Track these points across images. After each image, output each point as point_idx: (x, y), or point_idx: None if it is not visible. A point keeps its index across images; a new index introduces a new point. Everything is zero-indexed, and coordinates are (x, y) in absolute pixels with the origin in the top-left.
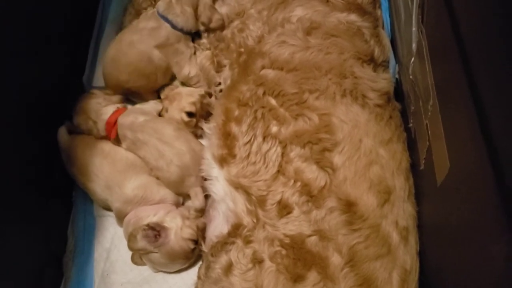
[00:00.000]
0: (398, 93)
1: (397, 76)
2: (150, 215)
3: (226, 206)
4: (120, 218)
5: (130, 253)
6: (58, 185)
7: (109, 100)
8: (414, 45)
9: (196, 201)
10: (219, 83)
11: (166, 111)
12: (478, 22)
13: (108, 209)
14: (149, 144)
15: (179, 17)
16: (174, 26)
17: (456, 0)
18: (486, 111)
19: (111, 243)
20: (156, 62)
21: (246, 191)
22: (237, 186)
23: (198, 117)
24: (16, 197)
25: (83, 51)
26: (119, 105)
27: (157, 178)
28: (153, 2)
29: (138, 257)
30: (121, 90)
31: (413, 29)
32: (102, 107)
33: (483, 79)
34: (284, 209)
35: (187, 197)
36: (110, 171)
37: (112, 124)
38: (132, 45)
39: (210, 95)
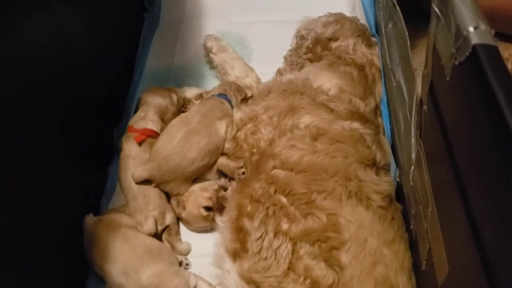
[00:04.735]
0: (399, 195)
1: (397, 179)
2: None
3: None
4: None
5: None
6: (73, 273)
7: None
8: (413, 155)
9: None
10: (241, 167)
11: (184, 208)
12: (468, 141)
13: None
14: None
15: (232, 98)
16: (231, 104)
17: (449, 124)
18: (477, 218)
19: None
20: (222, 134)
21: (257, 287)
22: (249, 281)
23: (214, 210)
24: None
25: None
26: None
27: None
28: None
29: None
30: (172, 177)
31: (412, 140)
32: None
33: (473, 190)
34: None
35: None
36: (130, 255)
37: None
38: (201, 123)
39: (225, 189)
